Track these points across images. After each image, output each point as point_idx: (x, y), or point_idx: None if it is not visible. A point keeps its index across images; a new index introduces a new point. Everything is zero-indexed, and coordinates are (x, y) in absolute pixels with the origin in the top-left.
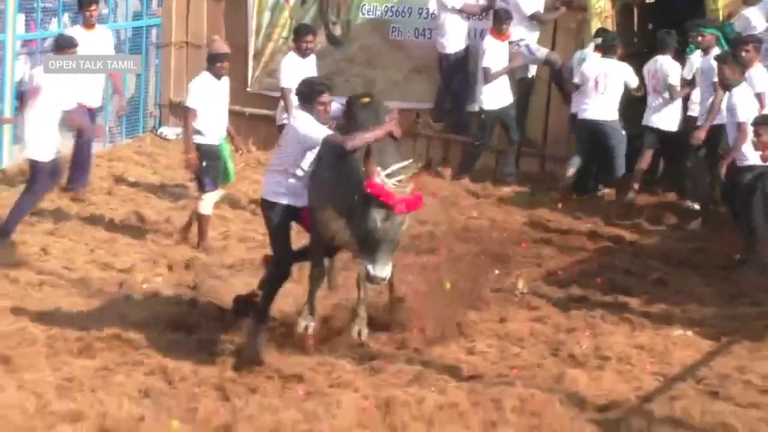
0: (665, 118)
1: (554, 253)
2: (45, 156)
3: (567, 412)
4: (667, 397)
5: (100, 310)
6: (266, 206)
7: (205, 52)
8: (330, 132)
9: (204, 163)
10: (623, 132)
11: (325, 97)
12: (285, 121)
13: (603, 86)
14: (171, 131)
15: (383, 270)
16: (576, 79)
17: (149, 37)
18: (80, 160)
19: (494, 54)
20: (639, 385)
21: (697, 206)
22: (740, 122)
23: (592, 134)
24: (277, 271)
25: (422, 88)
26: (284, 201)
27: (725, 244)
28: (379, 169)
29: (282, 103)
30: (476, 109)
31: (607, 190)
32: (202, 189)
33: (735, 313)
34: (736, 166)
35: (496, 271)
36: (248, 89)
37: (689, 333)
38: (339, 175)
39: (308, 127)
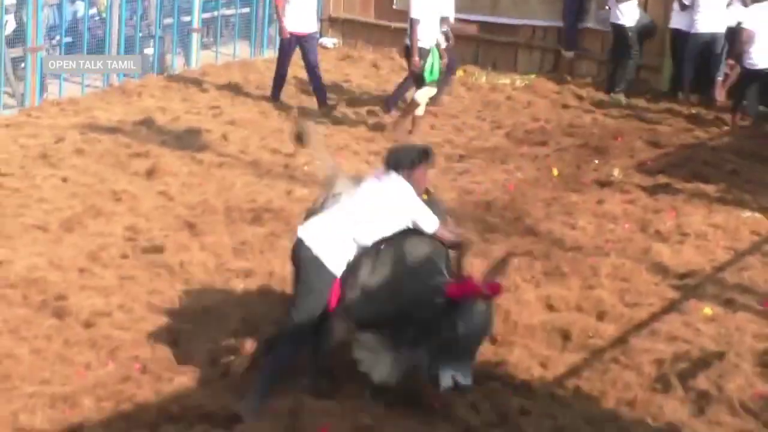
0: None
1: (645, 146)
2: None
3: (652, 278)
4: (736, 268)
5: (269, 186)
6: (317, 267)
7: None
8: (439, 223)
9: (421, 62)
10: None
11: (424, 167)
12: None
13: (708, 4)
14: (329, 41)
15: (468, 376)
16: (686, 1)
17: None
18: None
19: None
20: (713, 258)
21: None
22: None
23: (705, 45)
24: (296, 339)
25: (539, 8)
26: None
27: None
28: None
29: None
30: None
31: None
32: (418, 85)
33: None
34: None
35: (596, 161)
36: (394, 6)
37: (757, 215)
38: (408, 270)
39: (419, 209)
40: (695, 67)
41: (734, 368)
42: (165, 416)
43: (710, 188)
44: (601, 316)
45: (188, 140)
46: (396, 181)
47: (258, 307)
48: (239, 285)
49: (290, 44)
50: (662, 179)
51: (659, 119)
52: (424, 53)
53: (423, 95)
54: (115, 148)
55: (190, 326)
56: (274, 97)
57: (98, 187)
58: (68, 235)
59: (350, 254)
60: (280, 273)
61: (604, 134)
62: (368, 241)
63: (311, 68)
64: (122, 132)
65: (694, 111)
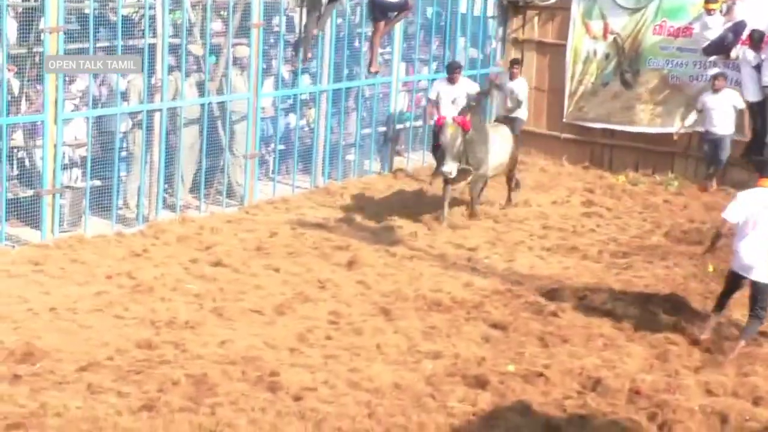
0: None
1: None
2: None
3: None
4: None
5: (453, 277)
6: None
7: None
8: None
9: None
10: None
11: None
12: None
13: None
14: None
15: None
16: None
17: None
18: None
19: None
20: None
21: None
22: None
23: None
24: None
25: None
26: None
27: None
28: None
29: None
30: None
31: None
32: None
33: None
34: None
35: None
36: (564, 120)
37: None
38: None
39: None
40: None
41: None
42: None
43: None
44: (757, 401)
45: (383, 236)
46: None
47: (446, 386)
48: (428, 365)
49: None
50: None
51: None
52: None
53: None
54: (320, 242)
55: (386, 401)
56: None
57: (306, 276)
58: (280, 318)
59: None
60: (465, 355)
61: None
62: None
63: None
64: (326, 228)
65: None
